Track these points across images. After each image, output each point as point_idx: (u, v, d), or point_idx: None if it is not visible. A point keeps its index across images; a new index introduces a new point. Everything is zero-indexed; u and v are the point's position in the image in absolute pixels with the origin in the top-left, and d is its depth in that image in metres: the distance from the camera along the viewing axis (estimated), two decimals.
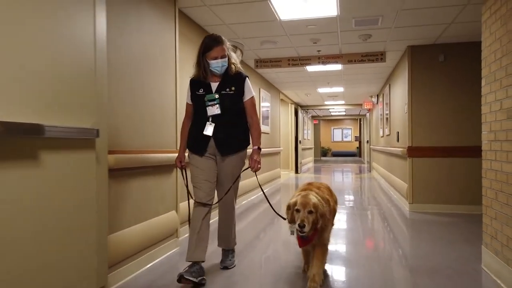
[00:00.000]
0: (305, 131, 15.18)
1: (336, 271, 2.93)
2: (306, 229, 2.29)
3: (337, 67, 6.58)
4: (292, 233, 2.44)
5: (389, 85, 7.66)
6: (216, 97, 2.65)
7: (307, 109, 14.41)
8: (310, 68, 6.70)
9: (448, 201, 5.21)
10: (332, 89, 9.64)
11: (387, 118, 8.05)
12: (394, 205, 5.89)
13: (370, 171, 12.70)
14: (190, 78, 2.80)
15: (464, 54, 5.14)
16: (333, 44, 5.22)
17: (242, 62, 5.85)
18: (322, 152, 23.84)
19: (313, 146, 18.97)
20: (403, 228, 4.41)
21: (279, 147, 9.72)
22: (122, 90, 2.73)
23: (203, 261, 2.62)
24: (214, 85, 2.70)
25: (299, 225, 2.30)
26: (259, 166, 2.73)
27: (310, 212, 2.35)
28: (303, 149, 14.11)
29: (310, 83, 8.71)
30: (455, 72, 5.21)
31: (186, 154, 2.85)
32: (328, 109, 14.89)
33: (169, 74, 3.42)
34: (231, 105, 2.67)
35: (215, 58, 2.63)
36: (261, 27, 4.50)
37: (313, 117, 19.26)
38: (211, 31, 4.66)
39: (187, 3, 3.68)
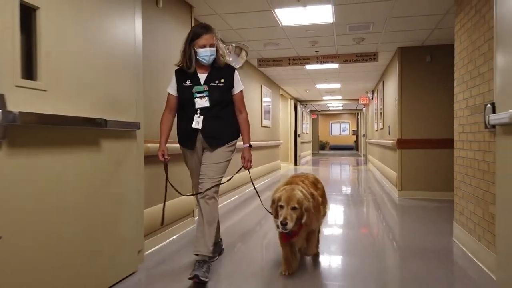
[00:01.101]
0: (304, 125, 15.70)
1: (332, 251, 3.47)
2: (289, 226, 2.27)
3: (334, 65, 7.08)
4: (278, 227, 2.38)
5: (383, 82, 8.17)
6: (205, 89, 2.57)
7: (306, 104, 14.91)
8: (309, 67, 7.20)
9: (433, 188, 5.75)
10: (329, 85, 10.15)
11: (381, 113, 8.57)
12: (385, 193, 6.43)
13: (366, 164, 13.24)
14: (175, 69, 2.73)
15: (449, 55, 5.57)
16: (330, 45, 5.72)
17: (246, 61, 6.35)
18: (320, 146, 24.36)
19: (311, 139, 19.49)
20: (392, 212, 4.95)
21: (279, 140, 10.24)
22: (150, 88, 3.24)
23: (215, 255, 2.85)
24: (202, 77, 2.62)
25: (281, 223, 2.28)
26: (251, 164, 2.71)
27: (293, 208, 2.32)
28: (302, 143, 14.63)
29: (309, 80, 9.21)
30: (440, 72, 5.72)
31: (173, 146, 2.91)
32: (326, 104, 15.40)
33: None
34: (220, 98, 2.59)
35: (204, 46, 2.54)
36: (264, 31, 5.01)
37: (311, 111, 19.76)
38: (226, 39, 5.18)
39: (201, 12, 4.18)
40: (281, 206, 2.35)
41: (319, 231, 3.04)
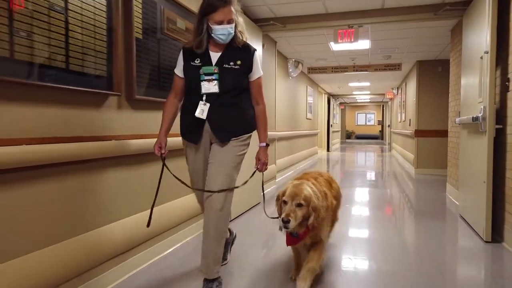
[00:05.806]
0: (334, 116, 17.60)
1: (361, 212, 5.53)
2: (292, 224, 1.96)
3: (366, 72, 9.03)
4: (280, 228, 2.03)
5: (406, 82, 10.04)
6: (215, 71, 2.11)
7: (337, 98, 16.82)
8: (347, 73, 9.17)
9: (440, 166, 7.64)
10: (360, 83, 12.06)
11: (403, 108, 10.45)
12: (405, 171, 8.41)
13: (390, 151, 15.11)
14: (183, 45, 2.27)
15: None
16: (364, 60, 7.69)
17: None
18: (347, 135, 26.08)
19: (340, 129, 21.34)
20: (409, 183, 6.94)
21: (318, 130, 12.27)
22: None
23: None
24: (215, 56, 2.16)
25: (282, 220, 1.97)
26: (266, 167, 2.27)
27: (299, 205, 2.01)
28: (333, 132, 16.59)
29: (343, 80, 11.16)
30: (448, 79, 7.58)
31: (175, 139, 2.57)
32: (355, 97, 17.25)
33: (271, 88, 6.01)
34: (233, 83, 2.14)
35: (221, 23, 2.06)
36: (318, 53, 7.04)
37: (340, 103, 21.58)
38: (288, 56, 7.23)
39: (281, 44, 6.24)
40: (285, 202, 2.05)
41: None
